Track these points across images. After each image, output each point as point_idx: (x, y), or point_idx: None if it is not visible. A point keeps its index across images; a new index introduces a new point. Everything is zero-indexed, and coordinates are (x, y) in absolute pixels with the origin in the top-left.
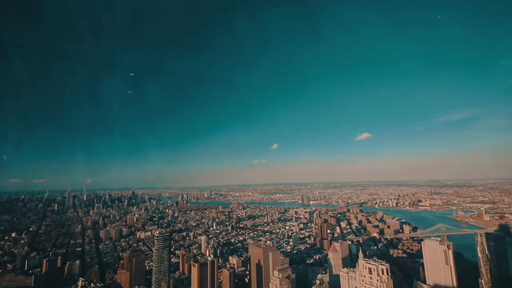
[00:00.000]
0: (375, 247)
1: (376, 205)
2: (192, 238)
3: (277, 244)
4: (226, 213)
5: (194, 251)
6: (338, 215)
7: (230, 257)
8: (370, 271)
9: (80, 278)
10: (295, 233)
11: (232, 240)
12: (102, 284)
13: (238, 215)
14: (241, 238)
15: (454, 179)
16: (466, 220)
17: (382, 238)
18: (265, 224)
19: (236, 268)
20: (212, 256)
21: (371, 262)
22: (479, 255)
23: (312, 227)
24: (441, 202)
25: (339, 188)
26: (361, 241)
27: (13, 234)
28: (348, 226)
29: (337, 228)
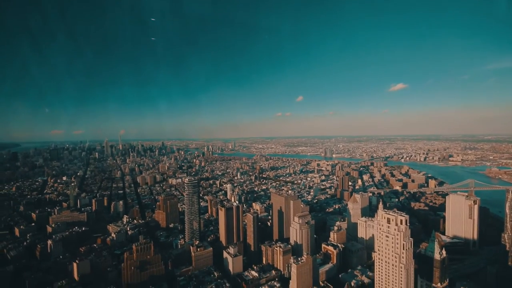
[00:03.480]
0: (396, 200)
1: (402, 160)
2: (218, 186)
3: (298, 194)
4: (249, 164)
5: (221, 197)
6: (361, 169)
7: (253, 204)
8: (388, 221)
9: (125, 215)
10: (316, 184)
11: (256, 189)
12: (143, 221)
13: (261, 166)
14: (264, 187)
15: (493, 134)
16: (500, 176)
17: (404, 192)
18: (287, 175)
19: (259, 213)
20: (237, 202)
21: (390, 213)
22: (507, 211)
23: (334, 179)
24: (474, 157)
25: (364, 142)
26: (382, 193)
27: (64, 178)
28: (370, 179)
29: (359, 181)
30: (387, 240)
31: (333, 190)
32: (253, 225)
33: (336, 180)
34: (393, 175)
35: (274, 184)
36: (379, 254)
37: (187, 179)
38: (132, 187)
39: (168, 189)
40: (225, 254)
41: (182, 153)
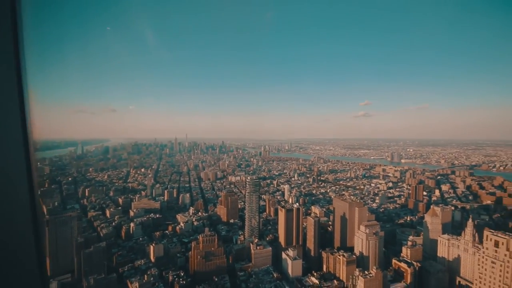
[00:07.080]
0: (487, 217)
1: (494, 169)
2: (275, 186)
3: (361, 200)
4: (307, 165)
5: (278, 197)
6: (439, 177)
7: (312, 207)
8: (496, 244)
9: (191, 207)
10: (382, 191)
11: (314, 192)
12: (206, 214)
13: (319, 168)
14: (322, 191)
15: None
16: None
17: (499, 208)
18: (348, 179)
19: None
20: (296, 204)
21: (500, 235)
22: None
23: (403, 187)
24: None
25: (442, 147)
26: (468, 208)
27: (142, 170)
28: (451, 190)
29: (436, 191)
30: (493, 267)
31: (403, 199)
32: (314, 230)
33: (407, 188)
34: (482, 188)
35: (333, 188)
36: (480, 283)
37: (248, 178)
38: (196, 182)
39: (228, 186)
40: (284, 256)
41: (240, 151)
